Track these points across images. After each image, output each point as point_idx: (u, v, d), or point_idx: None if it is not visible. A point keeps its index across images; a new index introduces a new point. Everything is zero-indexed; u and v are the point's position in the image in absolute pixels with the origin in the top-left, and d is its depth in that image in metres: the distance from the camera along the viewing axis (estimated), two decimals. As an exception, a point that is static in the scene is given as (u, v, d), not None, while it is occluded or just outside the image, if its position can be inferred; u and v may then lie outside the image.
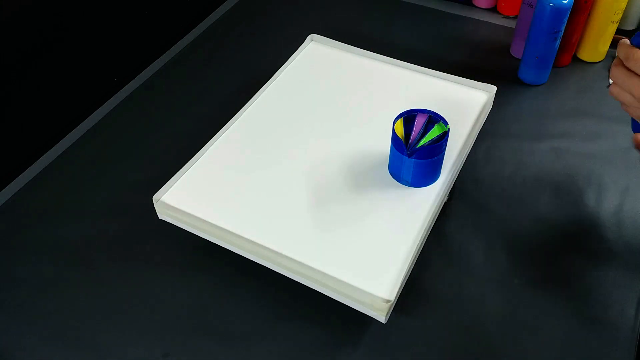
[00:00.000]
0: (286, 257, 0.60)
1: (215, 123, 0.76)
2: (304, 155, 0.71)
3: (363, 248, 0.61)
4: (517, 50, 0.95)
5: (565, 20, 0.83)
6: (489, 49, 0.98)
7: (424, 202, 0.65)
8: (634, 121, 0.61)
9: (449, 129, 0.65)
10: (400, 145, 0.64)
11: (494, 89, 0.78)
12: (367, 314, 0.57)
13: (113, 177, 0.79)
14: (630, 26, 0.96)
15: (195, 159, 0.70)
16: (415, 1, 1.10)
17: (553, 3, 0.80)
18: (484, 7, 0.99)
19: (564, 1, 0.80)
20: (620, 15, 0.88)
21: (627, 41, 0.56)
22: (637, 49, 0.54)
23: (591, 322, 0.62)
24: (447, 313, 0.63)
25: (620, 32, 0.92)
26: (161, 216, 0.66)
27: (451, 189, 0.70)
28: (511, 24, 0.95)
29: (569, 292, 0.64)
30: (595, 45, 0.92)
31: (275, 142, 0.73)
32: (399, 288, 0.57)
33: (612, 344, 0.60)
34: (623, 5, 0.87)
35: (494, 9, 0.99)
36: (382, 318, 0.56)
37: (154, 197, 0.66)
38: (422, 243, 0.62)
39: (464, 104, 0.77)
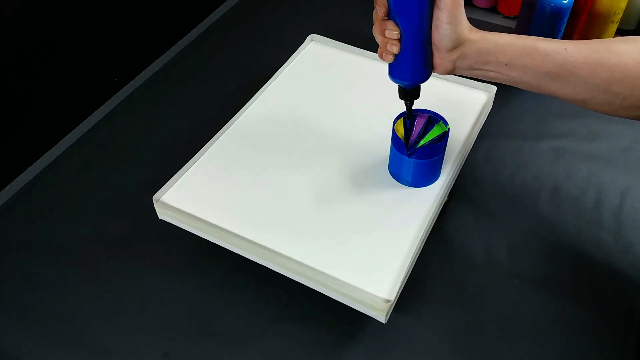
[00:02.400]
0: (286, 257, 0.60)
1: (215, 123, 0.76)
2: (304, 155, 0.71)
3: (363, 248, 0.61)
4: (517, 50, 0.94)
5: (565, 20, 0.83)
6: (489, 49, 0.97)
7: (424, 202, 0.65)
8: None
9: (449, 129, 0.65)
10: (400, 145, 0.64)
11: (494, 89, 0.78)
12: (367, 314, 0.57)
13: (113, 177, 0.79)
14: (630, 26, 0.95)
15: (195, 159, 0.70)
16: (415, 1, 1.10)
17: (553, 3, 0.80)
18: (484, 7, 0.99)
19: (564, 1, 0.80)
20: (620, 15, 0.88)
21: None
22: None
23: (591, 322, 0.62)
24: (447, 313, 0.63)
25: (620, 32, 0.92)
26: (161, 216, 0.66)
27: (451, 189, 0.70)
28: (511, 24, 0.95)
29: (568, 292, 0.64)
30: (595, 45, 0.92)
31: (275, 142, 0.73)
32: (399, 288, 0.57)
33: (612, 344, 0.60)
34: (623, 5, 0.86)
35: (494, 9, 0.98)
36: (382, 318, 0.56)
37: (154, 197, 0.66)
38: (422, 243, 0.62)
39: (464, 104, 0.77)
